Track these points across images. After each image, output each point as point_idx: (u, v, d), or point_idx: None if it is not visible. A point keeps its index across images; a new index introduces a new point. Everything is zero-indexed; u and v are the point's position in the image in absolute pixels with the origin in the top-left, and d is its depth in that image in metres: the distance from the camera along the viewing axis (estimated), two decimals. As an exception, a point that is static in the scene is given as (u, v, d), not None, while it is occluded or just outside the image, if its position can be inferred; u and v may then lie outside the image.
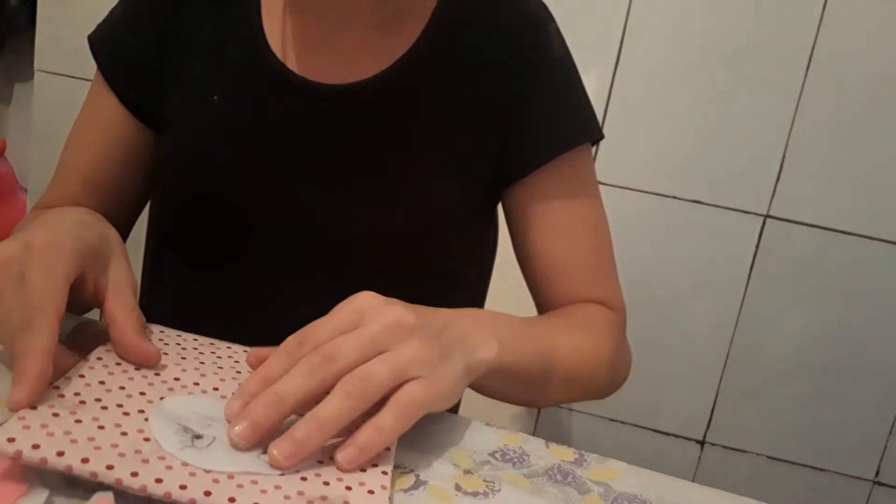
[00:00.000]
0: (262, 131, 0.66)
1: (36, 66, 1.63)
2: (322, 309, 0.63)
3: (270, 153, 0.66)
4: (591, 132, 0.71)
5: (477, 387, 0.54)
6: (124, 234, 0.73)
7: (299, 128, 0.66)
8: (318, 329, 0.45)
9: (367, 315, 0.45)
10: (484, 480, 0.46)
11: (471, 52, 0.67)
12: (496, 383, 0.54)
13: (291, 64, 0.66)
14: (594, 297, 0.70)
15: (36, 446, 0.37)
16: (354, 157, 0.66)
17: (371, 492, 0.40)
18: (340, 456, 0.42)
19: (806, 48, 1.34)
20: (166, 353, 0.49)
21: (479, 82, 0.67)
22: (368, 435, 0.43)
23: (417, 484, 0.45)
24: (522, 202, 0.70)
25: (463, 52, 0.67)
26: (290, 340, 0.45)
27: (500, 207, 0.74)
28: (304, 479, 0.40)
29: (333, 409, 0.42)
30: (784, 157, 1.39)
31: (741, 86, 1.37)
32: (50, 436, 0.38)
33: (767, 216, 1.41)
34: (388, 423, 0.43)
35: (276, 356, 0.45)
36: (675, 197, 1.42)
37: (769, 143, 1.38)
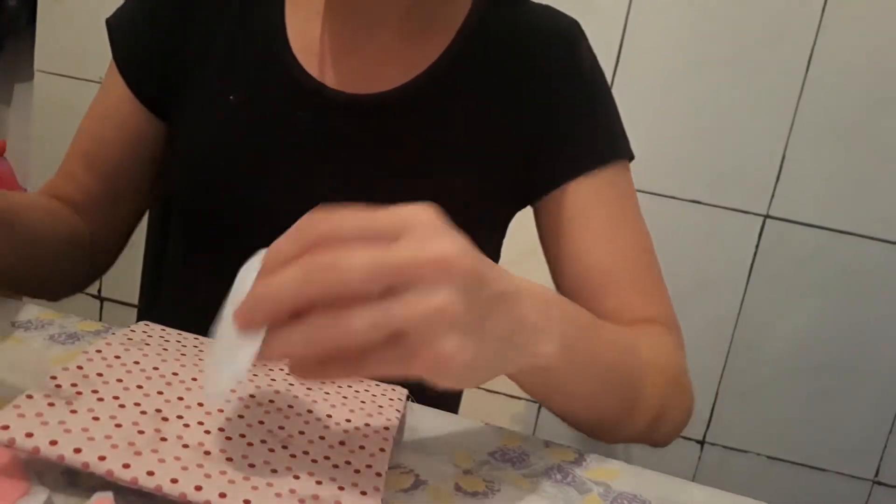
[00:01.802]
0: (277, 136, 0.65)
1: (36, 66, 1.63)
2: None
3: (284, 159, 0.65)
4: (621, 151, 0.69)
5: (533, 391, 0.48)
6: (130, 225, 0.72)
7: (316, 136, 0.65)
8: (344, 219, 0.36)
9: (410, 233, 0.36)
10: (483, 480, 0.46)
11: (497, 66, 0.67)
12: (556, 385, 0.47)
13: (313, 71, 0.65)
14: (649, 315, 0.65)
15: (30, 435, 0.37)
16: (373, 168, 0.65)
17: (364, 493, 0.40)
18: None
19: (806, 48, 1.34)
20: (166, 350, 0.49)
21: (505, 97, 0.66)
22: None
23: (417, 484, 0.45)
24: (558, 211, 0.67)
25: (489, 67, 0.66)
26: (306, 220, 0.37)
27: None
28: (296, 477, 0.40)
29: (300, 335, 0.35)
30: (784, 157, 1.39)
31: (741, 85, 1.37)
32: (44, 425, 0.38)
33: (767, 216, 1.41)
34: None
35: (287, 234, 0.38)
36: (674, 197, 1.42)
37: (769, 142, 1.39)
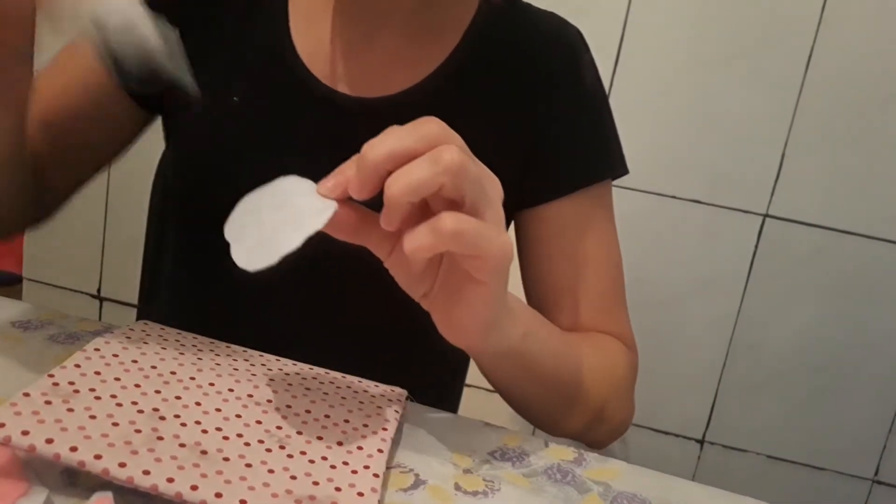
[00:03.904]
0: (280, 138, 0.65)
1: (36, 66, 1.63)
2: (325, 318, 0.62)
3: (286, 161, 0.64)
4: (613, 169, 0.70)
5: (496, 377, 0.54)
6: (82, 181, 0.72)
7: (320, 139, 0.64)
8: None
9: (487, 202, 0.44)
10: (483, 480, 0.46)
11: (502, 72, 0.66)
12: (515, 373, 0.54)
13: (318, 72, 0.65)
14: (609, 331, 0.69)
15: (25, 433, 0.37)
16: None
17: (361, 494, 0.40)
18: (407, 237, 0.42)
19: (806, 47, 1.34)
20: (164, 349, 0.49)
21: (508, 104, 0.66)
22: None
23: (417, 483, 0.45)
24: (538, 227, 0.68)
25: (494, 73, 0.66)
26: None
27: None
28: (293, 477, 0.40)
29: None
30: (783, 156, 1.39)
31: (741, 85, 1.37)
32: (41, 423, 0.38)
33: (767, 216, 1.41)
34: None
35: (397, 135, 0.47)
36: (674, 196, 1.42)
37: (769, 142, 1.38)
